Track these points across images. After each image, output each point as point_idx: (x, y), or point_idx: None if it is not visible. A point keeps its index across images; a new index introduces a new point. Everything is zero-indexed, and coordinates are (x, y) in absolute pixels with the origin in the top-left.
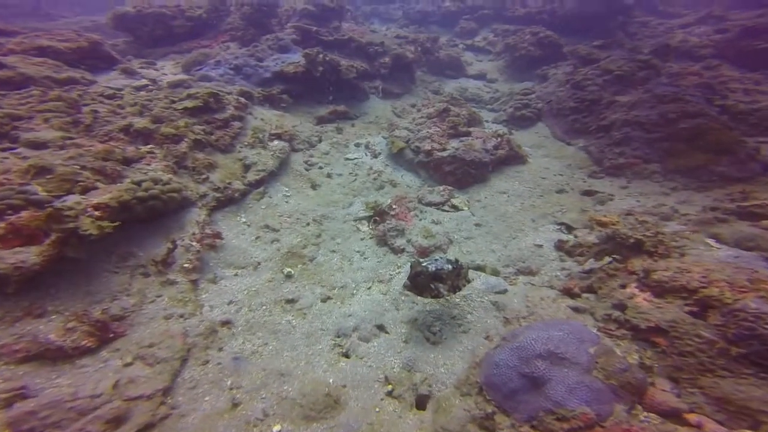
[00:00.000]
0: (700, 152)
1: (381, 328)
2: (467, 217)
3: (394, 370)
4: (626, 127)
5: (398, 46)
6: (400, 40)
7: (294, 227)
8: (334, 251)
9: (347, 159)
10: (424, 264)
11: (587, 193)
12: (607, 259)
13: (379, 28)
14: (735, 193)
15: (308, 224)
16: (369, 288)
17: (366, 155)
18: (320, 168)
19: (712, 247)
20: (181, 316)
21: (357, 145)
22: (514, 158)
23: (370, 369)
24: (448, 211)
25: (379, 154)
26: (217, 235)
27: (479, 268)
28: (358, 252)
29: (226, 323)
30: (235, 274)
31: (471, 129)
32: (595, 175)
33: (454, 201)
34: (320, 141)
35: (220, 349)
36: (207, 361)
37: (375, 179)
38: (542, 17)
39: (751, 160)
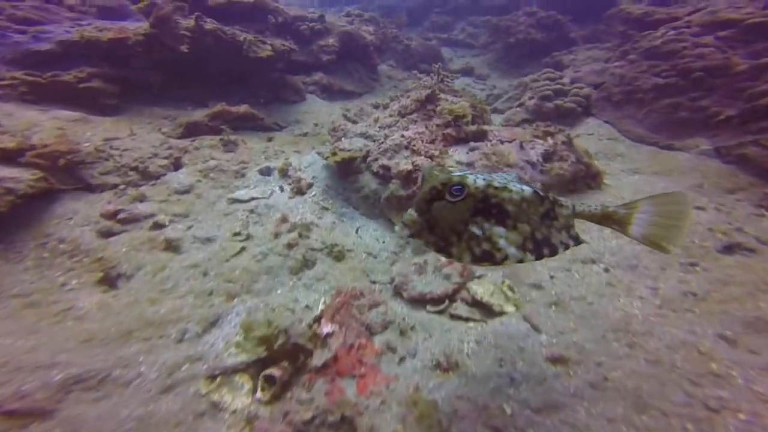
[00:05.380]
0: None
1: None
2: (522, 336)
3: None
4: None
5: (348, 24)
6: (350, 18)
7: None
8: None
9: (234, 201)
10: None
11: None
12: None
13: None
14: None
15: None
16: None
17: (279, 190)
18: (153, 228)
19: None
20: None
21: (264, 171)
22: (583, 178)
23: None
24: (466, 319)
25: (311, 185)
26: None
27: None
28: None
29: None
30: None
31: (486, 128)
32: None
33: (477, 289)
34: (176, 167)
35: None
36: None
37: (292, 246)
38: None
39: None
